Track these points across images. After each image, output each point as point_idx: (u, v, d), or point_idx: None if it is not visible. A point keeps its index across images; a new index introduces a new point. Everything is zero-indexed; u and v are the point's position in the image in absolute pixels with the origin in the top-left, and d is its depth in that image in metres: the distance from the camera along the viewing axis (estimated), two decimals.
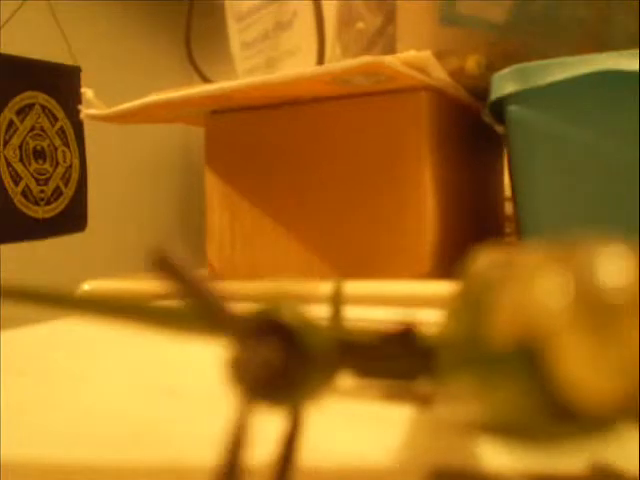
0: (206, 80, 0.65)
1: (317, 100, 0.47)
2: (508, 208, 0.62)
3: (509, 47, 0.48)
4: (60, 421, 0.21)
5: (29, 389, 0.25)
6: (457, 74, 0.47)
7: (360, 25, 0.55)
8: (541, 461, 0.13)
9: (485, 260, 0.13)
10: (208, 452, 0.13)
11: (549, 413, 0.11)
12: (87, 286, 0.45)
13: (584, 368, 0.10)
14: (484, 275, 0.12)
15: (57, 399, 0.24)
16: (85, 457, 0.18)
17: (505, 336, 0.11)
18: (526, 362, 0.10)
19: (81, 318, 0.17)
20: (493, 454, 0.16)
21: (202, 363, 0.22)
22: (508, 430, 0.12)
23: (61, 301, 0.17)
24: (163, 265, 0.13)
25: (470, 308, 0.12)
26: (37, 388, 0.25)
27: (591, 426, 0.11)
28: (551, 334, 0.10)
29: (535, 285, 0.11)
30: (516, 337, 0.11)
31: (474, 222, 0.54)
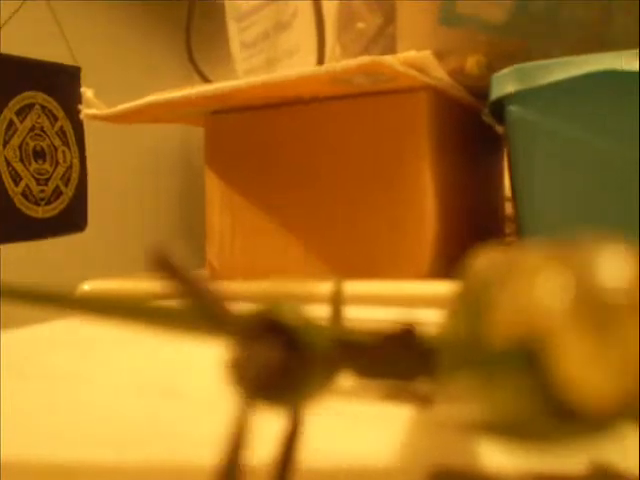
0: (206, 80, 0.65)
1: (317, 100, 0.47)
2: (508, 208, 0.62)
3: (509, 47, 0.48)
4: (60, 421, 0.21)
5: (29, 389, 0.25)
6: (457, 74, 0.47)
7: (360, 25, 0.55)
8: (541, 461, 0.13)
9: (485, 260, 0.13)
10: (208, 452, 0.13)
11: (549, 413, 0.11)
12: (87, 286, 0.45)
13: (584, 368, 0.10)
14: (484, 275, 0.12)
15: (57, 399, 0.24)
16: (85, 457, 0.18)
17: (505, 336, 0.11)
18: (526, 362, 0.10)
19: (81, 318, 0.17)
20: (493, 454, 0.16)
21: (202, 363, 0.22)
22: (508, 430, 0.12)
23: (61, 301, 0.17)
24: (163, 265, 0.13)
25: (470, 308, 0.12)
26: (37, 388, 0.25)
27: (591, 426, 0.11)
28: (551, 334, 0.10)
29: (535, 285, 0.11)
30: (516, 337, 0.11)
31: (474, 222, 0.54)
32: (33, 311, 0.18)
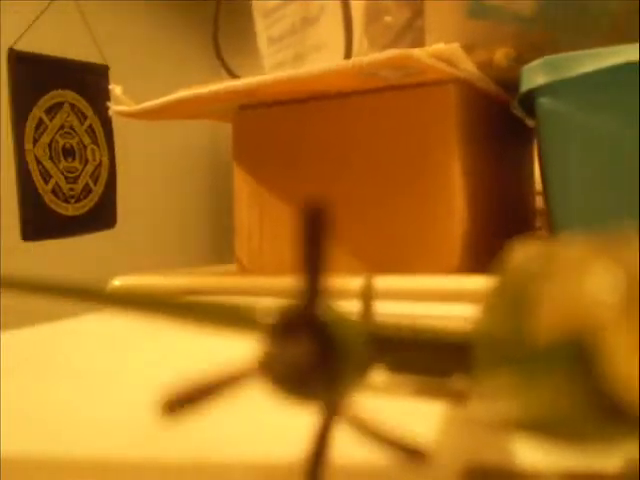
0: (234, 76, 0.65)
1: (345, 94, 0.47)
2: (538, 202, 0.61)
3: (538, 39, 0.47)
4: (64, 418, 0.21)
5: (32, 387, 0.25)
6: (486, 67, 0.46)
7: (388, 19, 0.55)
8: (578, 459, 0.13)
9: (524, 253, 0.12)
10: (229, 450, 0.13)
11: (593, 411, 0.10)
12: (117, 282, 0.46)
13: (635, 364, 0.10)
14: (524, 268, 0.12)
15: (69, 396, 0.24)
16: (87, 457, 0.18)
17: (551, 329, 0.10)
18: (573, 357, 0.10)
19: (112, 313, 0.17)
20: (528, 451, 0.15)
21: (229, 358, 0.22)
22: (546, 428, 0.11)
23: (93, 296, 0.17)
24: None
25: (510, 302, 0.12)
26: (40, 386, 0.25)
27: (636, 424, 0.10)
28: (603, 327, 0.10)
29: (585, 278, 0.10)
30: (564, 330, 0.10)
31: (504, 216, 0.54)
32: (64, 306, 0.18)
